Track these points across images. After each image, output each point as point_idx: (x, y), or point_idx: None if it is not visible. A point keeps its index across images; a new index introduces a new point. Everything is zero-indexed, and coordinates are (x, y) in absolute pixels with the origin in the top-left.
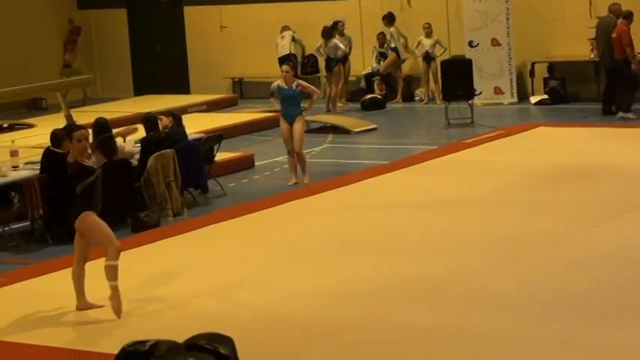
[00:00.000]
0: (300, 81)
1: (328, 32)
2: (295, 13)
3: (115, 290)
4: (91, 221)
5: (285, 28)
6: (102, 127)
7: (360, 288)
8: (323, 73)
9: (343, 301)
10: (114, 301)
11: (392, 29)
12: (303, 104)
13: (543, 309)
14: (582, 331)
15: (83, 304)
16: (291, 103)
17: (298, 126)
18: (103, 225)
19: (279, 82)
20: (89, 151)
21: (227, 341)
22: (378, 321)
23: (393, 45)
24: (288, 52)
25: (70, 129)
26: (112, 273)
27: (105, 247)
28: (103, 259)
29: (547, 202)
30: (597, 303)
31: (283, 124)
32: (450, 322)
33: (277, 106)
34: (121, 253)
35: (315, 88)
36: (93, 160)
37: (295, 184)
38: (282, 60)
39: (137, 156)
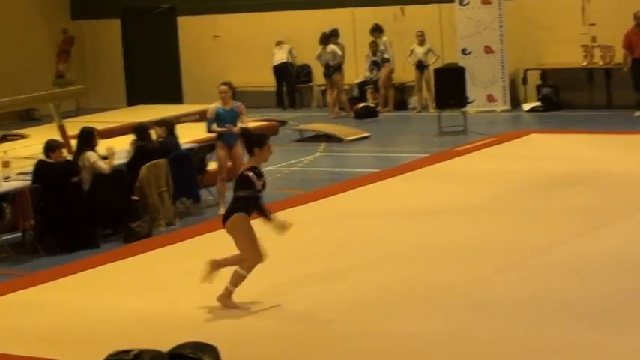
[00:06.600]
0: (239, 103)
1: (326, 38)
2: (289, 22)
3: None
4: None
5: (281, 42)
6: (88, 136)
7: (350, 297)
8: (316, 82)
9: (333, 311)
10: None
11: (385, 38)
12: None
13: (535, 316)
14: (573, 337)
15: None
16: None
17: (240, 150)
18: None
19: (216, 105)
20: None
21: (211, 350)
22: (369, 330)
23: (387, 55)
24: (285, 60)
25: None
26: None
27: None
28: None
29: (540, 209)
30: (588, 310)
31: (221, 150)
32: (441, 330)
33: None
34: (113, 264)
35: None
36: None
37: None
38: (278, 69)
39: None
